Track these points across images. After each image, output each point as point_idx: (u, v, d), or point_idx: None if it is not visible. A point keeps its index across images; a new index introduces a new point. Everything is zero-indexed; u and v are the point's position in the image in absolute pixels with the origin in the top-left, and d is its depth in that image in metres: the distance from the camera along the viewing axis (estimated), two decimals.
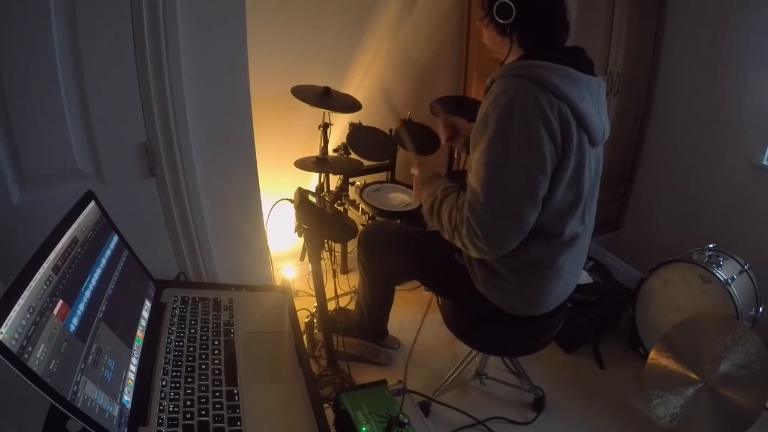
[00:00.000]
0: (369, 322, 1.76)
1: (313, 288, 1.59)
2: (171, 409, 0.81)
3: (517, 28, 1.06)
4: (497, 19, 1.05)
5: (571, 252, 1.18)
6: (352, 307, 1.99)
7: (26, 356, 0.61)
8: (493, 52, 1.16)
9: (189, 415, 0.81)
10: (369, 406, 0.97)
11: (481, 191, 1.03)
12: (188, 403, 0.83)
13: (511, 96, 0.99)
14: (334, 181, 2.01)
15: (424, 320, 1.33)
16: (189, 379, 0.88)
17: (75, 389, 0.66)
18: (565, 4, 1.07)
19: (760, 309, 1.71)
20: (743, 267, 1.73)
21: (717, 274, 1.64)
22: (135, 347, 0.89)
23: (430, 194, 1.20)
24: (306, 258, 1.66)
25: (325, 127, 1.78)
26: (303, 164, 1.67)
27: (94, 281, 0.83)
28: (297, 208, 1.46)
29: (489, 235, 1.04)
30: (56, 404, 0.62)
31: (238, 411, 0.84)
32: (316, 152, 1.78)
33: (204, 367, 0.92)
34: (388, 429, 0.93)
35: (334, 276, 2.05)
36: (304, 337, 1.76)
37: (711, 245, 1.82)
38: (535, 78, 0.99)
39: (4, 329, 0.59)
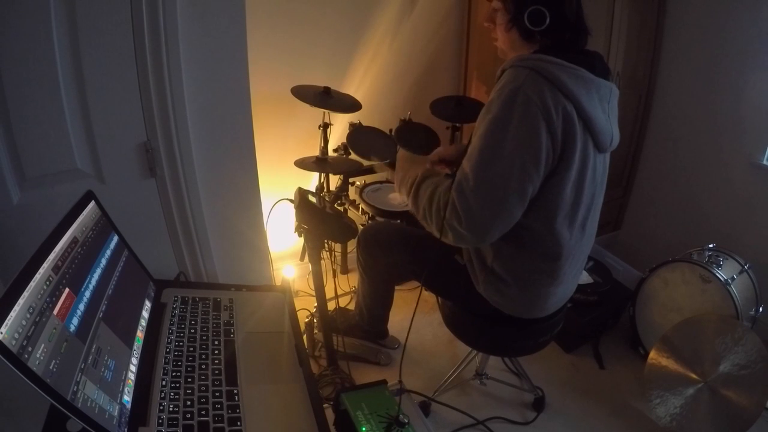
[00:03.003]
0: (369, 323, 1.76)
1: (313, 288, 1.59)
2: (171, 409, 0.81)
3: (549, 35, 1.03)
4: (527, 24, 1.02)
5: (571, 259, 1.17)
6: (352, 307, 1.99)
7: (26, 356, 0.61)
8: (506, 54, 1.13)
9: (189, 415, 0.81)
10: (369, 406, 0.96)
11: (471, 174, 1.01)
12: (188, 403, 0.83)
13: (517, 85, 0.98)
14: (334, 181, 2.01)
15: (414, 316, 1.30)
16: (189, 379, 0.88)
17: (75, 389, 0.66)
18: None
19: (760, 309, 1.71)
20: (743, 267, 1.73)
21: (717, 274, 1.64)
22: (135, 347, 0.89)
23: (410, 176, 1.19)
24: (306, 258, 1.66)
25: (325, 127, 1.78)
26: (303, 164, 1.67)
27: (94, 281, 0.83)
28: (297, 208, 1.46)
29: (471, 220, 1.02)
30: (56, 404, 0.62)
31: (238, 411, 0.84)
32: (316, 152, 1.78)
33: (204, 367, 0.92)
34: (388, 429, 0.93)
35: (334, 276, 2.05)
36: (304, 337, 1.76)
37: (711, 245, 1.82)
38: (545, 73, 0.98)
39: (4, 329, 0.59)
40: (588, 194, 1.10)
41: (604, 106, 1.06)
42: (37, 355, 0.63)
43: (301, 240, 1.59)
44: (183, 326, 1.01)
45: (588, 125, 1.02)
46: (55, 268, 0.73)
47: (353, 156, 1.82)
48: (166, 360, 0.91)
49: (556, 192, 1.05)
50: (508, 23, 1.07)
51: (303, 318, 1.77)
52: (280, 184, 1.87)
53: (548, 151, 1.00)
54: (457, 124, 2.07)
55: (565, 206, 1.08)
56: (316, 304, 1.64)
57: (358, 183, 1.96)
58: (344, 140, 1.86)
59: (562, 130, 0.99)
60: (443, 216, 1.06)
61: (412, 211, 1.17)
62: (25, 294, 0.64)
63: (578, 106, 0.99)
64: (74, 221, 0.84)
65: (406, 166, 1.27)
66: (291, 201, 1.52)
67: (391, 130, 1.97)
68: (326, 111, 1.73)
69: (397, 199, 1.91)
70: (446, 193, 1.07)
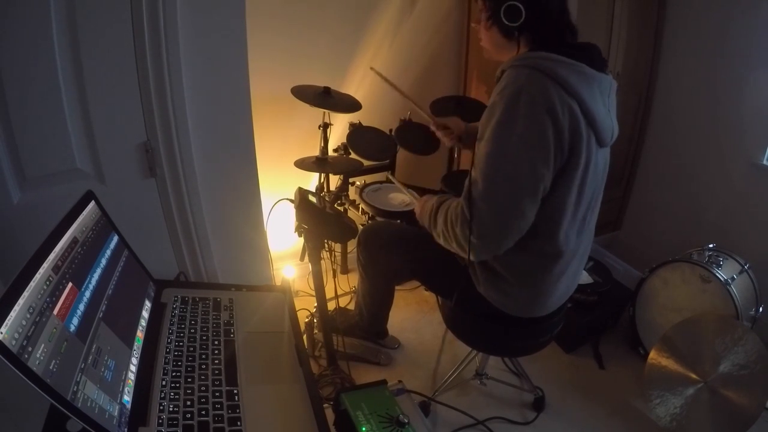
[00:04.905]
0: (368, 322, 1.76)
1: (313, 288, 1.59)
2: (171, 409, 0.81)
3: (526, 31, 1.04)
4: (504, 21, 1.03)
5: (573, 255, 1.17)
6: (352, 307, 1.99)
7: (26, 356, 0.61)
8: (492, 54, 1.14)
9: (189, 415, 0.81)
10: (369, 406, 0.97)
11: (481, 181, 1.01)
12: (188, 403, 0.83)
13: (519, 86, 0.97)
14: (334, 181, 2.01)
15: (414, 317, 1.31)
16: (189, 379, 0.88)
17: (75, 389, 0.66)
18: (568, 8, 1.05)
19: (760, 309, 1.71)
20: (743, 267, 1.73)
21: (717, 274, 1.64)
22: (135, 347, 0.89)
23: (428, 207, 1.21)
24: (306, 258, 1.66)
25: (325, 127, 1.78)
26: (303, 164, 1.67)
27: (94, 281, 0.83)
28: (297, 208, 1.46)
29: (483, 227, 1.02)
30: (56, 404, 0.62)
31: (238, 411, 0.84)
32: (316, 152, 1.78)
33: (204, 367, 0.92)
34: (389, 429, 0.93)
35: (334, 276, 2.05)
36: (304, 337, 1.76)
37: (711, 245, 1.82)
38: (547, 71, 0.97)
39: (4, 329, 0.59)
40: (589, 190, 1.10)
41: (605, 100, 1.06)
42: (37, 355, 0.63)
43: (301, 240, 1.59)
44: (183, 326, 1.01)
45: (591, 121, 1.01)
46: (55, 268, 0.73)
47: (353, 156, 1.82)
48: (166, 360, 0.91)
49: (564, 190, 1.05)
50: (487, 21, 1.08)
51: (303, 318, 1.77)
52: (280, 184, 1.87)
53: (556, 148, 0.99)
54: None
55: (570, 204, 1.08)
56: (316, 304, 1.64)
57: (358, 183, 1.96)
58: (344, 140, 1.86)
59: (568, 127, 0.98)
60: (456, 231, 1.06)
61: (443, 245, 1.17)
62: (25, 294, 0.65)
63: (581, 103, 0.99)
64: (74, 221, 0.84)
65: (423, 200, 1.29)
66: (291, 201, 1.52)
67: (391, 130, 1.97)
68: (326, 111, 1.73)
69: (397, 199, 1.92)
70: (456, 206, 1.06)
